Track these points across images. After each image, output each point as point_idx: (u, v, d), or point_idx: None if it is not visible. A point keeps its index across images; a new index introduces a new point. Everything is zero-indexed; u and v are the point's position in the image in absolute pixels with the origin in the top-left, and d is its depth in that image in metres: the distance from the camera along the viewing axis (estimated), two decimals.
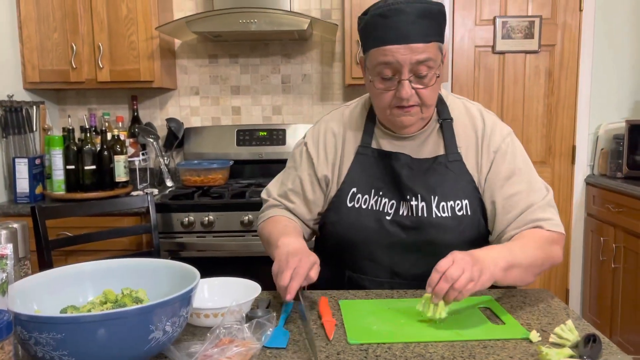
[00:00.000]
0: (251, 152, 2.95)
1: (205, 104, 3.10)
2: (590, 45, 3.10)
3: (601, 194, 2.99)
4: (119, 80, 2.72)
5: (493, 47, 3.08)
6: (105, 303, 0.97)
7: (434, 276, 1.04)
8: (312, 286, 1.39)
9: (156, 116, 3.10)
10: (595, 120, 3.16)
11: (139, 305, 0.82)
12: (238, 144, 2.96)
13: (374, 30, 1.20)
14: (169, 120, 2.98)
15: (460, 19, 3.08)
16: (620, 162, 2.95)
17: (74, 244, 2.05)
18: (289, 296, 1.06)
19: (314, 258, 1.14)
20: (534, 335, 1.00)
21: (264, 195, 1.49)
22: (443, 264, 1.04)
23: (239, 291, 1.15)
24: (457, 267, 1.03)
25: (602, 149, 3.12)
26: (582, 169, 3.18)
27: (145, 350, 0.86)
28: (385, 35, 1.18)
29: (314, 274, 1.12)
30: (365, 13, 1.25)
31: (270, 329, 0.97)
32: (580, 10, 3.07)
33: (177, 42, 3.04)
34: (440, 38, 1.22)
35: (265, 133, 2.96)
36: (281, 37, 2.91)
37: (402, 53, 1.17)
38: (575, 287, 3.24)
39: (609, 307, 2.88)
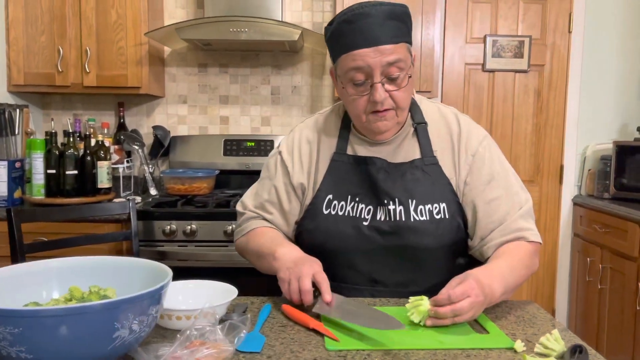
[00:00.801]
0: (238, 162, 2.91)
1: (193, 113, 3.07)
2: (579, 66, 3.12)
3: (588, 214, 2.98)
4: (105, 85, 2.68)
5: (483, 65, 3.09)
6: (71, 300, 0.92)
7: (444, 300, 1.03)
8: None
9: (143, 124, 3.06)
10: (583, 141, 3.17)
11: (104, 301, 0.78)
12: (225, 154, 2.92)
13: (342, 36, 1.20)
14: (155, 127, 2.94)
15: (451, 37, 3.09)
16: (608, 182, 2.95)
17: (50, 249, 1.98)
18: (328, 297, 1.09)
19: (319, 264, 1.16)
20: (519, 345, 0.97)
21: (239, 208, 1.44)
22: (458, 293, 1.03)
23: (215, 294, 1.11)
24: (469, 304, 1.03)
25: (589, 170, 3.12)
26: (569, 189, 3.18)
27: (109, 350, 0.81)
28: (353, 40, 1.18)
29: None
30: (330, 23, 1.24)
31: (244, 332, 0.93)
32: (569, 32, 3.10)
33: (167, 50, 3.02)
34: (408, 39, 1.22)
35: (253, 143, 2.93)
36: (272, 48, 2.90)
37: (372, 56, 1.16)
38: (562, 307, 3.21)
39: (595, 327, 2.85)
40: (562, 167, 3.17)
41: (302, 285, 1.10)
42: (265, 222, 1.39)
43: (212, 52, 3.02)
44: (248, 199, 1.43)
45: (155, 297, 0.85)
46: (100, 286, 0.98)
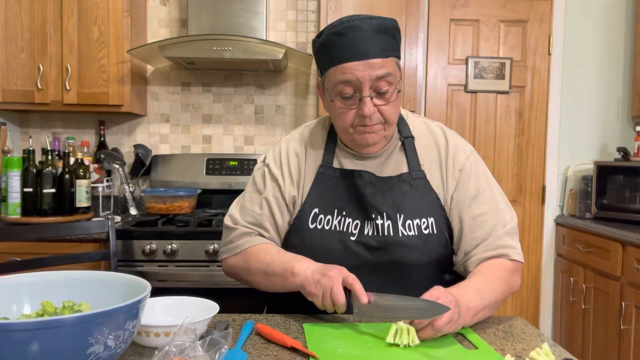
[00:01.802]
0: (221, 181, 2.88)
1: (176, 132, 3.04)
2: (559, 87, 3.17)
3: (571, 234, 2.99)
4: (86, 103, 2.64)
5: (465, 86, 3.12)
6: (43, 315, 0.88)
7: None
8: (272, 309, 1.31)
9: (124, 142, 3.01)
10: (564, 161, 3.20)
11: (77, 314, 0.74)
12: (207, 173, 2.88)
13: (331, 49, 1.18)
14: (136, 146, 2.90)
15: (434, 57, 3.12)
16: (589, 202, 2.97)
17: (24, 269, 1.91)
18: (365, 298, 1.05)
19: (343, 267, 1.13)
20: None
21: (228, 222, 1.35)
22: (425, 294, 1.02)
23: (195, 311, 1.07)
24: (437, 291, 1.02)
25: (570, 190, 3.15)
26: (552, 209, 3.19)
27: None
28: (343, 53, 1.16)
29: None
30: (319, 35, 1.23)
31: (225, 347, 0.89)
32: (549, 54, 3.15)
33: (150, 69, 3.00)
34: (397, 53, 1.21)
35: (236, 163, 2.90)
36: (256, 67, 2.89)
37: (361, 70, 1.15)
38: (546, 328, 3.20)
39: (579, 347, 2.84)
40: (544, 188, 3.19)
41: (336, 299, 1.07)
42: (262, 239, 1.31)
43: (195, 72, 3.01)
44: (236, 213, 1.34)
45: (132, 311, 0.82)
46: (74, 301, 0.94)
